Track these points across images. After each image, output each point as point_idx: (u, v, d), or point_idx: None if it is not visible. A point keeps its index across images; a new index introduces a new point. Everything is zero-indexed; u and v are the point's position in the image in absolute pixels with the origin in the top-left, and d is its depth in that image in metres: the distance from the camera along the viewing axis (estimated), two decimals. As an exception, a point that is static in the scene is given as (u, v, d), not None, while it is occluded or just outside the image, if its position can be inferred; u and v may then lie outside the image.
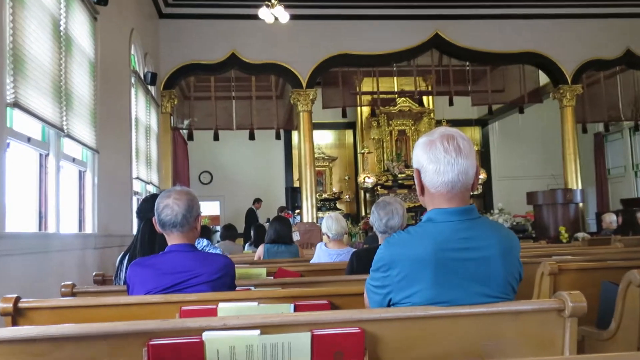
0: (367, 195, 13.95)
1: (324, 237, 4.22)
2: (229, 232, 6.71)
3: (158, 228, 2.16)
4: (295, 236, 7.65)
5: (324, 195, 14.29)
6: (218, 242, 7.45)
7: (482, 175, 13.51)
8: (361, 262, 2.99)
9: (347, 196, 14.53)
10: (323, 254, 4.02)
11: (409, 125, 13.83)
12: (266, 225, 8.15)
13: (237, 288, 2.30)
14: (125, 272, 2.55)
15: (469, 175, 1.56)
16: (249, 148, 13.52)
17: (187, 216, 2.12)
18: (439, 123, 13.34)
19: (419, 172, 1.60)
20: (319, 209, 12.89)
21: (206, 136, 11.41)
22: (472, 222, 1.56)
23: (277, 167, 14.66)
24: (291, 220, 10.51)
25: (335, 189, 14.64)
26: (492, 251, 1.53)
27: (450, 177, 1.54)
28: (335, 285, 2.66)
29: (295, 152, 13.80)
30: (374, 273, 1.61)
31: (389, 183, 13.28)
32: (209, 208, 14.03)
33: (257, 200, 12.75)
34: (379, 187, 13.10)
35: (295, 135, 13.70)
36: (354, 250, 3.57)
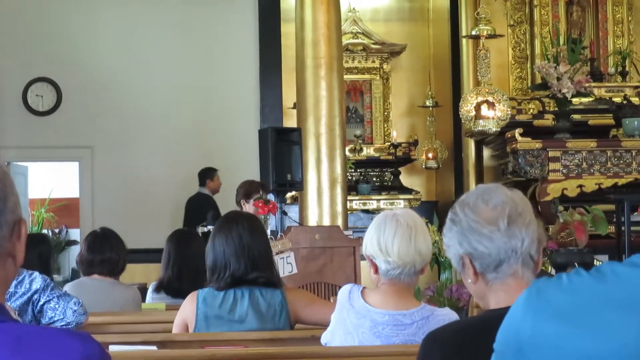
0: (485, 152, 14.15)
1: (370, 274, 4.25)
2: (107, 254, 6.82)
3: None
4: (287, 266, 7.78)
5: (367, 151, 14.56)
6: (70, 280, 7.57)
7: None
8: (470, 348, 3.06)
9: (429, 155, 14.76)
10: (354, 318, 4.14)
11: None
12: (205, 231, 8.19)
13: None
14: None
15: None
16: (163, 19, 13.71)
17: None
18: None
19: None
20: (351, 187, 12.92)
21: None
22: None
23: (239, 75, 14.92)
24: (270, 220, 10.59)
25: (396, 135, 14.86)
26: None
27: None
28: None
29: (288, 33, 13.79)
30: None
31: (547, 120, 13.54)
32: (52, 181, 14.15)
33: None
34: (517, 131, 13.10)
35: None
36: (441, 315, 3.66)
